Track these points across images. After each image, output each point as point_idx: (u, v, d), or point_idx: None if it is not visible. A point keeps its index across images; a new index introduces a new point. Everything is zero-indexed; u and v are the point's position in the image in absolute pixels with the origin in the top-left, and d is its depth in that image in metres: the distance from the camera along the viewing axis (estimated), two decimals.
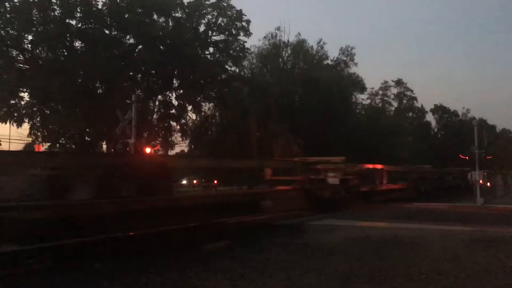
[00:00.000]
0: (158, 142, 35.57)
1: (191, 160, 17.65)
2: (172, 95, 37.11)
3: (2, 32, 29.14)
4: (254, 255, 10.23)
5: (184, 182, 34.37)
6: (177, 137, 38.16)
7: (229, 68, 38.31)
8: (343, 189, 22.60)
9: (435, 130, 78.27)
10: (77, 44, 31.62)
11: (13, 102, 30.58)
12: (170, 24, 34.58)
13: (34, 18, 29.16)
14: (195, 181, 35.19)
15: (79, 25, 30.72)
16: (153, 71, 34.26)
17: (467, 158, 30.35)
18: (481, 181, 28.67)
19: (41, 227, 8.99)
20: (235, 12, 36.42)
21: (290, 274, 8.45)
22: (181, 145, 39.68)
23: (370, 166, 29.23)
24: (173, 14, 34.62)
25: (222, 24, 36.60)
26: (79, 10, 30.29)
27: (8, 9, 28.71)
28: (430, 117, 76.97)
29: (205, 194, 16.46)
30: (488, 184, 35.11)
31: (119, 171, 11.35)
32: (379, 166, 30.29)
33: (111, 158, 15.50)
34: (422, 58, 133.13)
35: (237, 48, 37.28)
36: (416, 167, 38.18)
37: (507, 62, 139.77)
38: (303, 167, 19.65)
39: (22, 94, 30.76)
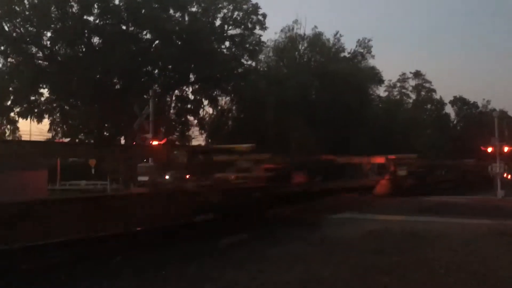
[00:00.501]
0: (175, 136, 35.84)
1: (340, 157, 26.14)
2: (188, 89, 37.30)
3: (21, 29, 29.58)
4: (272, 249, 10.24)
5: None
6: (194, 131, 38.40)
7: (245, 62, 38.31)
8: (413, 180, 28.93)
9: (454, 122, 77.06)
10: (95, 40, 31.93)
11: (33, 98, 31.05)
12: (186, 19, 34.66)
13: (53, 15, 29.51)
14: None
15: (97, 21, 31.01)
16: (170, 66, 34.44)
17: (487, 150, 29.77)
18: (505, 174, 28.34)
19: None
20: (251, 5, 36.36)
21: (308, 267, 8.45)
22: (198, 139, 39.93)
23: (434, 161, 36.06)
24: (189, 9, 34.71)
25: (238, 18, 36.56)
26: (96, 7, 30.55)
27: (27, 6, 29.09)
28: (449, 109, 75.80)
29: (353, 181, 24.88)
30: (509, 176, 34.52)
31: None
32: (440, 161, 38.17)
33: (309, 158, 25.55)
34: (440, 49, 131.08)
35: (253, 42, 37.23)
36: (462, 161, 42.79)
37: None
38: (390, 163, 26.32)
39: (41, 90, 31.22)
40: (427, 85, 71.50)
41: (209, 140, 41.13)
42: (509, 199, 24.20)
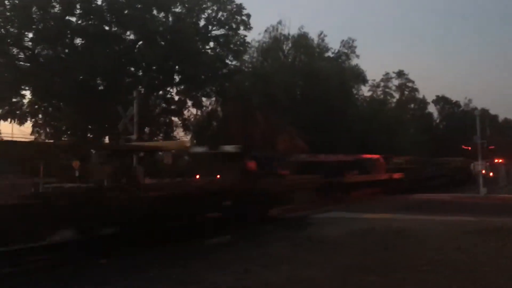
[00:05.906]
0: (160, 138, 35.60)
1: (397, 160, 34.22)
2: (172, 90, 37.11)
3: (2, 30, 29.10)
4: (258, 249, 10.22)
5: None
6: (178, 132, 38.18)
7: (230, 63, 38.21)
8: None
9: (437, 121, 77.93)
10: (78, 41, 31.55)
11: (15, 100, 30.59)
12: (170, 19, 34.47)
13: (34, 16, 29.08)
14: None
15: (79, 22, 30.66)
16: (154, 67, 34.22)
17: (469, 148, 30.17)
18: (483, 171, 28.64)
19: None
20: (235, 6, 36.23)
21: (294, 267, 8.46)
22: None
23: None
24: (173, 9, 34.50)
25: (222, 18, 36.42)
26: (78, 7, 30.19)
27: (8, 7, 28.63)
28: (432, 108, 76.69)
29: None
30: (491, 174, 35.03)
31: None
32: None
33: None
34: (423, 49, 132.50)
35: (238, 42, 37.15)
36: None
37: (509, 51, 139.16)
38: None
39: (24, 92, 30.76)
40: (410, 84, 72.29)
41: (194, 141, 40.93)
42: (492, 197, 24.60)
